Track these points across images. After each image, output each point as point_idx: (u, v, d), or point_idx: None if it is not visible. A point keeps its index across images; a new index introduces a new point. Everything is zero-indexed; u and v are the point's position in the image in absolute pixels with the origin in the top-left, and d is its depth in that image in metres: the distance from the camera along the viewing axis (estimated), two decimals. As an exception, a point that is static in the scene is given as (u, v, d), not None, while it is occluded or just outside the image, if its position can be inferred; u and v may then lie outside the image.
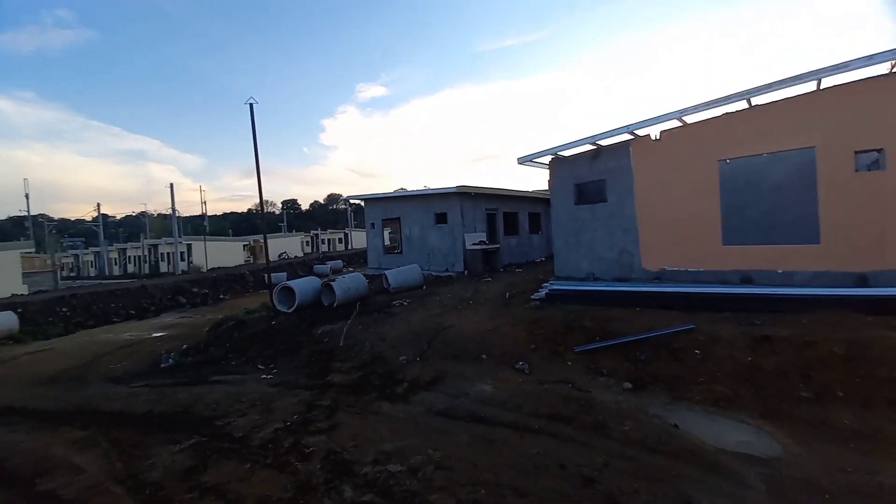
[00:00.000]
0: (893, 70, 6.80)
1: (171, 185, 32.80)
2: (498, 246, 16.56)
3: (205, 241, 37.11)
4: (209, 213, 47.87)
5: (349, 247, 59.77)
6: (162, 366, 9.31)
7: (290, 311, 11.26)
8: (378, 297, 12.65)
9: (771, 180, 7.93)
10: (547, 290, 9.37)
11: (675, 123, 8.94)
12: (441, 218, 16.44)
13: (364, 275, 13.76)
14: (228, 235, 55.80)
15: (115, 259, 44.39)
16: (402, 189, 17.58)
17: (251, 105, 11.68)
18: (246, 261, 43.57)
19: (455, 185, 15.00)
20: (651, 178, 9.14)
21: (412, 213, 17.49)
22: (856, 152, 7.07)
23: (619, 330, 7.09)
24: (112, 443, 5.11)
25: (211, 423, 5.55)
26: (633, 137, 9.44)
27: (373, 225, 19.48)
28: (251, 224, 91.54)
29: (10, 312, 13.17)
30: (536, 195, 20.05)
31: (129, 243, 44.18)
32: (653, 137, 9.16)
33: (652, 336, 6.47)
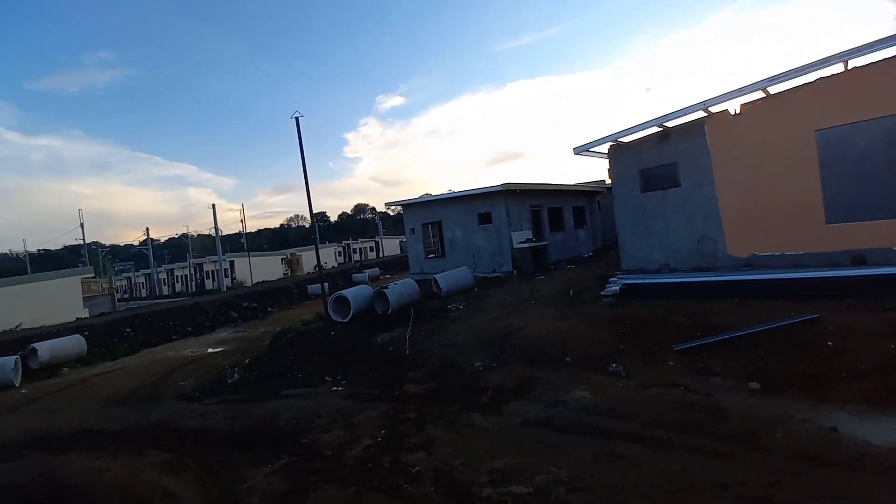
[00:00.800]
0: None
1: (214, 206, 34.10)
2: (546, 243, 15.91)
3: (248, 257, 38.27)
4: (246, 231, 49.49)
5: (380, 254, 60.32)
6: (229, 381, 9.28)
7: (346, 320, 11.08)
8: (430, 302, 12.30)
9: (880, 148, 6.99)
10: (620, 285, 8.69)
11: (756, 95, 8.12)
12: (485, 218, 15.97)
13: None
14: (265, 250, 57.58)
15: (165, 279, 46.61)
16: (446, 191, 17.25)
17: (297, 119, 11.70)
18: (284, 274, 44.65)
19: (500, 184, 14.51)
20: (732, 156, 8.33)
21: (454, 215, 17.12)
22: None
23: (720, 324, 6.36)
24: (201, 465, 4.91)
25: (295, 440, 5.29)
26: (706, 115, 8.66)
27: (413, 230, 19.24)
28: (284, 238, 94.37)
29: (77, 336, 13.73)
30: (580, 188, 19.24)
31: (175, 263, 46.34)
32: (732, 112, 8.35)
33: (767, 329, 5.72)
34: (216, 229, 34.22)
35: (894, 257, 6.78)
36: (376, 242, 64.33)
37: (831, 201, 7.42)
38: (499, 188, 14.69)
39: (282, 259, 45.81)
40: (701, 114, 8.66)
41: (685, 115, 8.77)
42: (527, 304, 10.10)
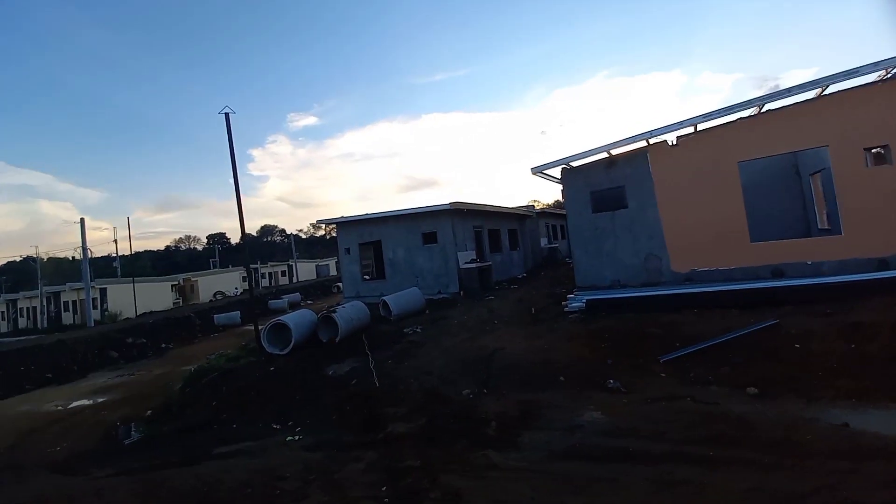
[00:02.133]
0: (886, 77, 7.53)
1: (82, 219, 27.82)
2: (489, 263, 15.99)
3: (133, 282, 31.86)
4: (119, 253, 41.26)
5: (294, 279, 55.60)
6: (126, 442, 7.11)
7: (286, 352, 9.49)
8: (381, 327, 11.31)
9: (785, 178, 8.35)
10: (584, 301, 8.87)
11: (687, 130, 9.22)
12: (430, 237, 15.54)
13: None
14: (149, 276, 48.84)
15: (3, 313, 36.38)
16: (386, 210, 16.50)
17: (227, 115, 10.06)
18: (175, 303, 38.23)
19: (448, 202, 14.29)
20: (672, 182, 9.25)
21: (395, 234, 16.36)
22: (864, 149, 7.65)
23: (691, 334, 6.74)
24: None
25: (263, 517, 4.02)
26: (648, 144, 9.56)
27: (348, 250, 17.92)
28: (171, 262, 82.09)
29: None
30: (515, 211, 20.01)
31: (20, 293, 36.53)
32: (670, 143, 9.33)
33: (738, 336, 6.17)
34: (84, 248, 27.91)
35: (807, 270, 8.01)
36: (289, 266, 59.24)
37: (753, 223, 8.59)
38: (446, 207, 14.46)
39: (172, 285, 39.23)
40: (643, 143, 9.54)
41: (630, 143, 9.58)
42: (491, 325, 9.78)
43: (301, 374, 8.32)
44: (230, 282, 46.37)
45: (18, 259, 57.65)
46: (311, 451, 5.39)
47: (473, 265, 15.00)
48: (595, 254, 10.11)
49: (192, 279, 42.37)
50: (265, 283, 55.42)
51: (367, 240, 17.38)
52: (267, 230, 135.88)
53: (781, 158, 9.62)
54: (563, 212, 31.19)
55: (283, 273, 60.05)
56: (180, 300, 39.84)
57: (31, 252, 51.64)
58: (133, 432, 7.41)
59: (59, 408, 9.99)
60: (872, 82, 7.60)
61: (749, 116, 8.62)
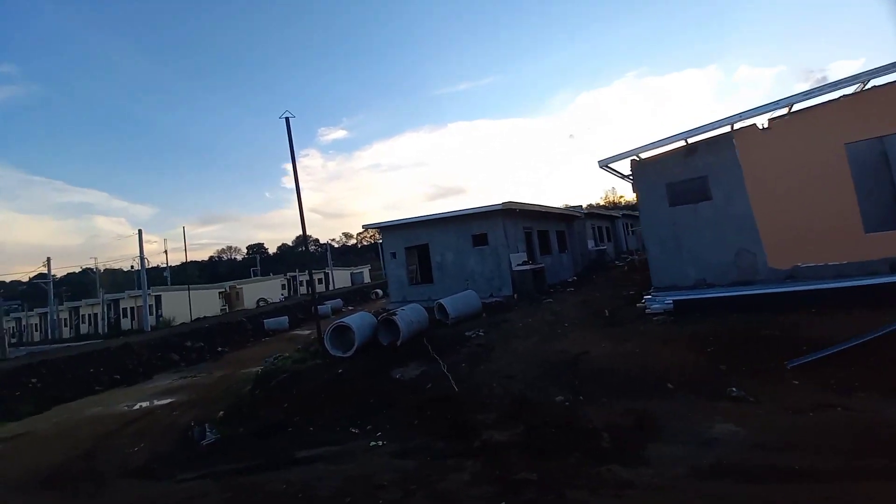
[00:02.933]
0: None
1: (140, 231, 29.46)
2: (542, 265, 15.34)
3: (188, 290, 33.36)
4: (169, 264, 43.73)
5: (330, 287, 56.66)
6: (203, 443, 7.01)
7: (349, 354, 9.28)
8: (440, 331, 10.91)
9: (880, 164, 7.34)
10: (671, 301, 8.13)
11: (781, 112, 8.36)
12: (480, 239, 15.10)
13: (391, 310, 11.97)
14: (197, 283, 51.18)
15: (66, 319, 38.96)
16: (434, 212, 16.24)
17: (287, 119, 10.12)
18: (222, 309, 39.68)
19: (500, 202, 13.82)
20: (764, 169, 8.39)
21: (443, 237, 16.04)
22: None
23: (815, 336, 5.91)
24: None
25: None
26: (733, 129, 8.76)
27: (394, 254, 17.75)
28: (214, 272, 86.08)
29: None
30: (564, 212, 19.28)
31: (83, 300, 39.06)
32: (760, 127, 8.49)
33: (875, 337, 5.32)
34: (141, 257, 29.47)
35: (937, 264, 6.96)
36: (325, 274, 60.52)
37: (867, 211, 7.60)
38: (498, 207, 13.99)
39: (219, 293, 40.78)
40: (727, 129, 8.75)
41: (711, 129, 8.82)
42: (561, 328, 9.18)
43: (369, 377, 8.04)
44: (272, 289, 47.88)
45: (77, 271, 62.12)
46: (401, 458, 5.03)
47: (527, 267, 14.41)
48: (674, 251, 9.32)
49: (238, 287, 43.93)
50: (303, 290, 56.83)
51: (413, 243, 17.16)
52: (301, 240, 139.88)
53: (868, 144, 8.54)
54: (610, 213, 30.11)
55: (320, 281, 61.38)
56: (226, 307, 41.32)
57: (89, 264, 55.52)
58: (208, 433, 7.33)
59: (131, 408, 10.21)
60: None
61: (854, 93, 7.69)
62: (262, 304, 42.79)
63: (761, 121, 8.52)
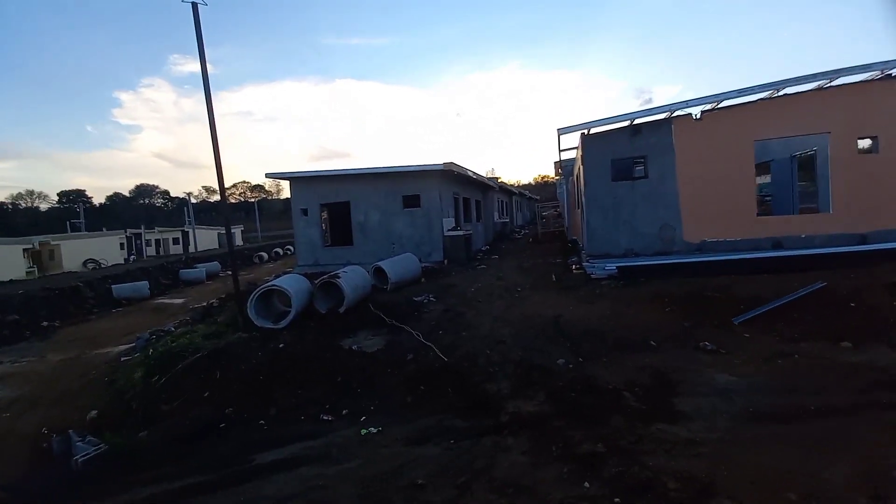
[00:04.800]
0: (883, 75, 8.60)
1: None
2: (471, 233, 15.28)
3: None
4: None
5: (192, 248, 47.80)
6: (78, 459, 4.88)
7: (282, 325, 7.66)
8: (380, 297, 9.90)
9: (791, 159, 9.19)
10: (615, 267, 8.81)
11: (709, 106, 9.56)
12: (411, 201, 14.15)
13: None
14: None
15: None
16: (358, 167, 14.59)
17: (195, 5, 7.34)
18: (28, 272, 29.86)
19: (441, 162, 13.01)
20: (692, 155, 9.55)
21: (368, 195, 14.56)
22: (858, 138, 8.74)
23: (748, 296, 7.00)
24: None
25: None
26: (673, 116, 9.70)
27: (304, 211, 15.52)
28: (5, 225, 65.03)
29: None
30: (486, 181, 19.42)
31: None
32: (694, 117, 9.57)
33: (798, 297, 6.57)
34: None
35: (800, 243, 9.00)
36: (184, 233, 50.39)
37: (759, 199, 9.35)
38: (438, 167, 13.19)
39: (24, 250, 30.45)
40: (665, 115, 9.67)
41: (654, 114, 9.65)
42: (516, 292, 9.19)
43: (321, 351, 6.75)
44: (107, 248, 37.91)
45: None
46: (418, 446, 4.24)
47: (459, 233, 14.14)
48: (612, 222, 10.10)
49: (53, 243, 33.47)
50: (150, 251, 46.80)
51: (331, 200, 15.22)
52: (144, 191, 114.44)
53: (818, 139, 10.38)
54: (510, 189, 31.70)
55: (176, 241, 51.24)
56: (34, 269, 31.23)
57: None
58: (80, 443, 5.16)
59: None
60: (868, 79, 8.62)
61: (766, 99, 9.22)
62: (91, 266, 33.69)
63: (696, 111, 9.60)
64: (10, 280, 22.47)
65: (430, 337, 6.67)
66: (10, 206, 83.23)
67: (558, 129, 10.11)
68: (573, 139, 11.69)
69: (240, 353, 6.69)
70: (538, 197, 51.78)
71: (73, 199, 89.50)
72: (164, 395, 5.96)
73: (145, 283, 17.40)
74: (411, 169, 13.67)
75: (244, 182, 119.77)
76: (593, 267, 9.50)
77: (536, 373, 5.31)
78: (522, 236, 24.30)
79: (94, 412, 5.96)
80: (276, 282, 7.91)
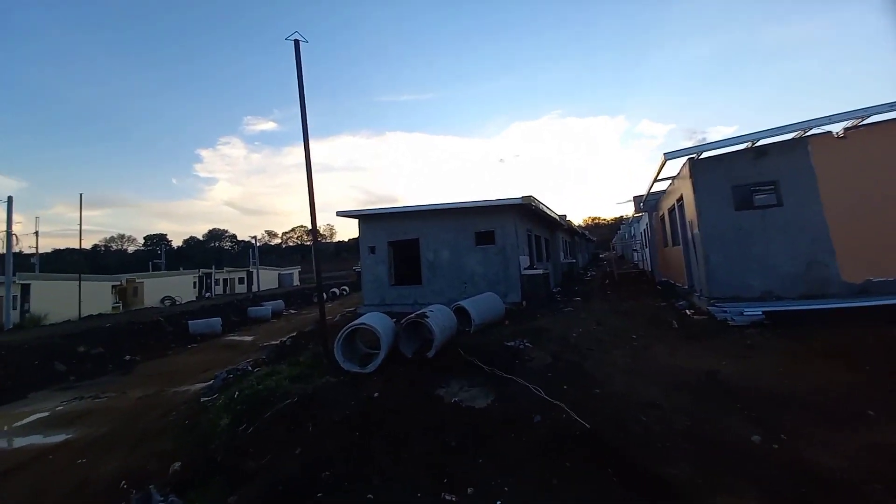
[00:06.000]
0: None
1: (10, 198, 22.39)
2: (548, 272, 14.10)
3: (79, 279, 26.15)
4: (35, 251, 34.08)
5: (255, 288, 50.12)
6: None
7: (370, 370, 6.82)
8: (464, 339, 8.88)
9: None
10: (763, 312, 7.21)
11: (850, 123, 8.11)
12: (485, 237, 13.40)
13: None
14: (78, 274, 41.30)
15: None
16: (427, 203, 14.21)
17: (296, 42, 7.45)
18: (114, 307, 32.28)
19: (519, 196, 12.29)
20: (839, 177, 8.01)
21: (438, 232, 14.04)
22: None
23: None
24: None
25: None
26: (807, 135, 8.33)
27: (372, 249, 15.27)
28: (99, 266, 72.71)
29: None
30: (559, 219, 18.41)
31: None
32: (836, 134, 8.14)
33: None
34: (9, 235, 22.36)
35: None
36: (248, 273, 53.42)
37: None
38: (515, 202, 12.45)
39: (112, 286, 33.20)
40: (796, 134, 8.32)
41: (780, 134, 8.32)
42: (632, 340, 7.78)
43: (418, 403, 5.76)
44: (182, 286, 40.61)
45: None
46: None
47: (537, 272, 13.02)
48: (739, 259, 8.57)
49: (137, 281, 36.35)
50: (218, 289, 49.63)
51: (399, 237, 14.86)
52: (215, 234, 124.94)
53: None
54: (574, 229, 30.27)
55: (241, 280, 54.31)
56: (119, 304, 33.82)
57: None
58: (161, 502, 4.43)
59: (1, 451, 6.44)
60: None
61: (937, 109, 7.63)
62: (167, 302, 36.00)
63: (837, 129, 8.18)
64: (99, 314, 24.14)
65: (552, 392, 5.47)
66: (103, 248, 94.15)
67: (665, 154, 9.02)
68: (667, 168, 10.53)
69: (330, 400, 5.86)
70: (594, 238, 49.77)
71: (156, 242, 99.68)
72: (252, 449, 5.17)
73: (218, 319, 17.70)
74: (485, 204, 13.04)
75: (301, 226, 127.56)
76: (725, 312, 7.92)
77: (725, 453, 3.93)
78: (591, 278, 22.59)
79: (177, 464, 5.29)
80: (363, 320, 7.19)
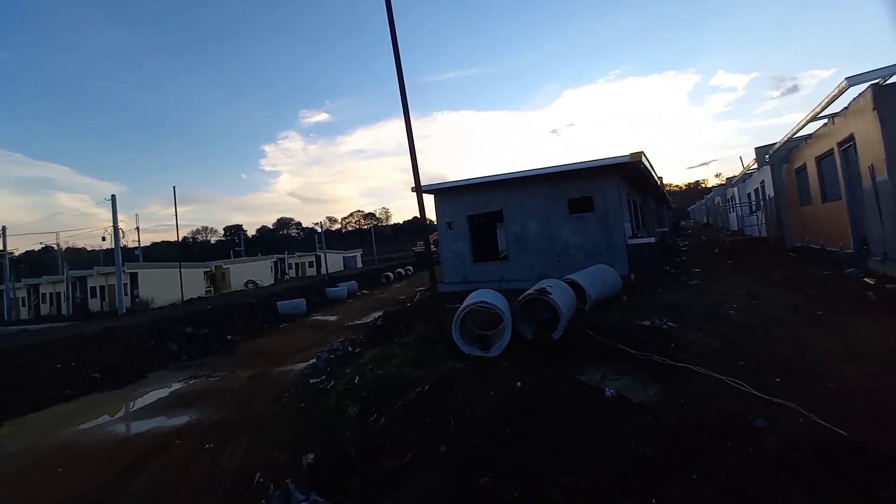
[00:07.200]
0: None
1: (114, 196, 24.70)
2: (655, 240, 12.31)
3: (179, 266, 28.78)
4: (138, 244, 38.67)
5: (323, 270, 52.47)
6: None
7: (494, 353, 5.95)
8: (584, 318, 7.69)
9: None
10: None
11: None
12: (580, 205, 11.91)
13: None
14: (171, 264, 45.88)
15: (24, 299, 33.57)
16: (511, 171, 12.92)
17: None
18: (207, 291, 35.26)
19: (628, 154, 10.57)
20: None
21: (525, 202, 12.75)
22: None
23: None
24: None
25: None
26: None
27: (450, 224, 14.38)
28: (188, 255, 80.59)
29: None
30: (659, 184, 16.27)
31: (43, 277, 33.67)
32: None
33: None
34: (115, 227, 24.79)
35: None
36: (317, 257, 56.15)
37: None
38: (618, 161, 10.76)
39: (204, 272, 36.21)
40: None
41: None
42: (814, 315, 6.12)
43: (561, 394, 4.76)
44: (261, 270, 43.46)
45: (36, 249, 55.34)
46: None
47: (645, 240, 11.35)
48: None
49: (224, 267, 39.40)
50: (292, 273, 52.69)
51: (480, 210, 13.81)
52: (283, 223, 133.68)
53: None
54: (667, 192, 27.26)
55: (311, 264, 57.33)
56: (211, 288, 36.92)
57: (49, 241, 49.17)
58: (303, 502, 3.89)
59: (129, 435, 6.55)
60: None
61: None
62: (251, 285, 38.64)
63: None
64: (198, 297, 26.25)
65: (758, 386, 4.17)
66: (190, 240, 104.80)
67: (847, 79, 6.88)
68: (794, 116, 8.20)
69: (463, 390, 5.07)
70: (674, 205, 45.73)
71: (234, 232, 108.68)
72: (389, 443, 4.54)
73: (303, 300, 18.15)
74: (583, 166, 11.47)
75: (358, 211, 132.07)
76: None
77: None
78: (687, 247, 20.03)
79: (310, 456, 4.83)
80: (484, 298, 6.29)
